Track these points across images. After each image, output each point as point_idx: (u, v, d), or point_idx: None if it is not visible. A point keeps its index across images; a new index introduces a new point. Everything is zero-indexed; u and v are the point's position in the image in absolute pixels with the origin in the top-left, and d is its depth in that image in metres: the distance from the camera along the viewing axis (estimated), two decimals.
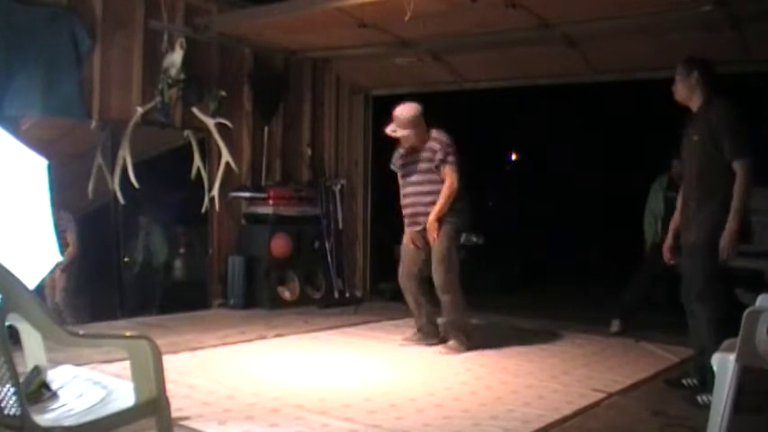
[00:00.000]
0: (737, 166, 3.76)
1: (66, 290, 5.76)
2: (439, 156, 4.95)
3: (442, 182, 4.96)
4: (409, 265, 5.17)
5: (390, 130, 5.06)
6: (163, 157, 6.46)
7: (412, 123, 4.98)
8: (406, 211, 5.17)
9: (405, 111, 5.01)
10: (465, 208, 5.08)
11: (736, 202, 3.76)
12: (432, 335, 5.25)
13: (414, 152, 5.09)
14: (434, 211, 4.93)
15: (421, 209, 5.04)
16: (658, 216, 6.08)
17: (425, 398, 3.85)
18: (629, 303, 5.98)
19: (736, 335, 2.94)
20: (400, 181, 5.22)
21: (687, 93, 4.01)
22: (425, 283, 5.18)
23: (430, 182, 5.01)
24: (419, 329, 5.30)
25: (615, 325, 5.91)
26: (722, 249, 3.76)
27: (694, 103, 3.99)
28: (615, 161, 10.72)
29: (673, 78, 4.06)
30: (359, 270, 8.02)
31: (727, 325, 3.34)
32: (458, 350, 4.98)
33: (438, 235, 4.93)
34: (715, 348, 3.16)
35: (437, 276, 5.00)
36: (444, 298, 5.02)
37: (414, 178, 5.08)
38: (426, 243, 5.06)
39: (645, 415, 3.63)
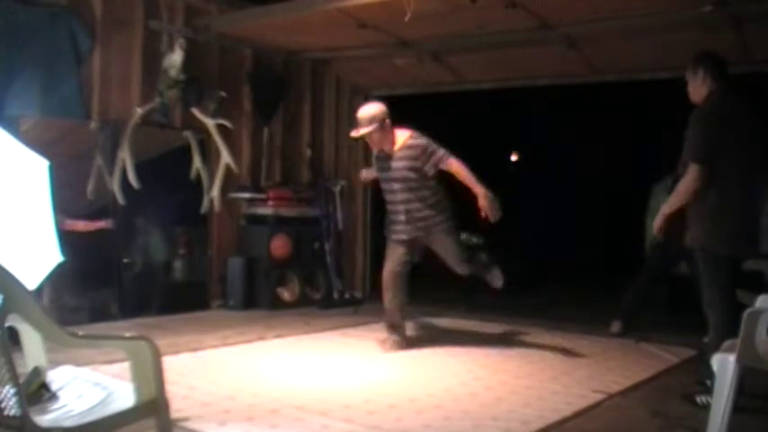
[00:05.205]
0: (689, 167, 3.72)
1: (54, 300, 5.61)
2: (430, 154, 4.85)
3: (429, 185, 4.91)
4: (393, 264, 5.10)
5: (354, 131, 5.08)
6: (163, 157, 6.45)
7: (373, 120, 4.89)
8: (391, 218, 5.10)
9: (365, 109, 5.01)
10: (449, 206, 5.05)
11: (671, 198, 3.85)
12: (406, 341, 5.20)
13: (390, 158, 4.98)
14: (478, 187, 4.76)
15: (402, 217, 4.98)
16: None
17: (425, 399, 3.85)
18: (630, 304, 5.98)
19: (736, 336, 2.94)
20: (382, 186, 5.12)
21: (696, 92, 3.84)
22: (406, 282, 5.18)
23: (413, 189, 4.91)
24: (393, 329, 5.19)
25: (616, 326, 5.90)
26: (653, 228, 3.89)
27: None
28: (615, 161, 10.72)
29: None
30: (359, 271, 8.02)
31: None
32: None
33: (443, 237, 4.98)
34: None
35: (462, 270, 5.16)
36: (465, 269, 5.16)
37: (396, 186, 4.97)
38: (413, 245, 5.08)
39: (645, 416, 3.63)
